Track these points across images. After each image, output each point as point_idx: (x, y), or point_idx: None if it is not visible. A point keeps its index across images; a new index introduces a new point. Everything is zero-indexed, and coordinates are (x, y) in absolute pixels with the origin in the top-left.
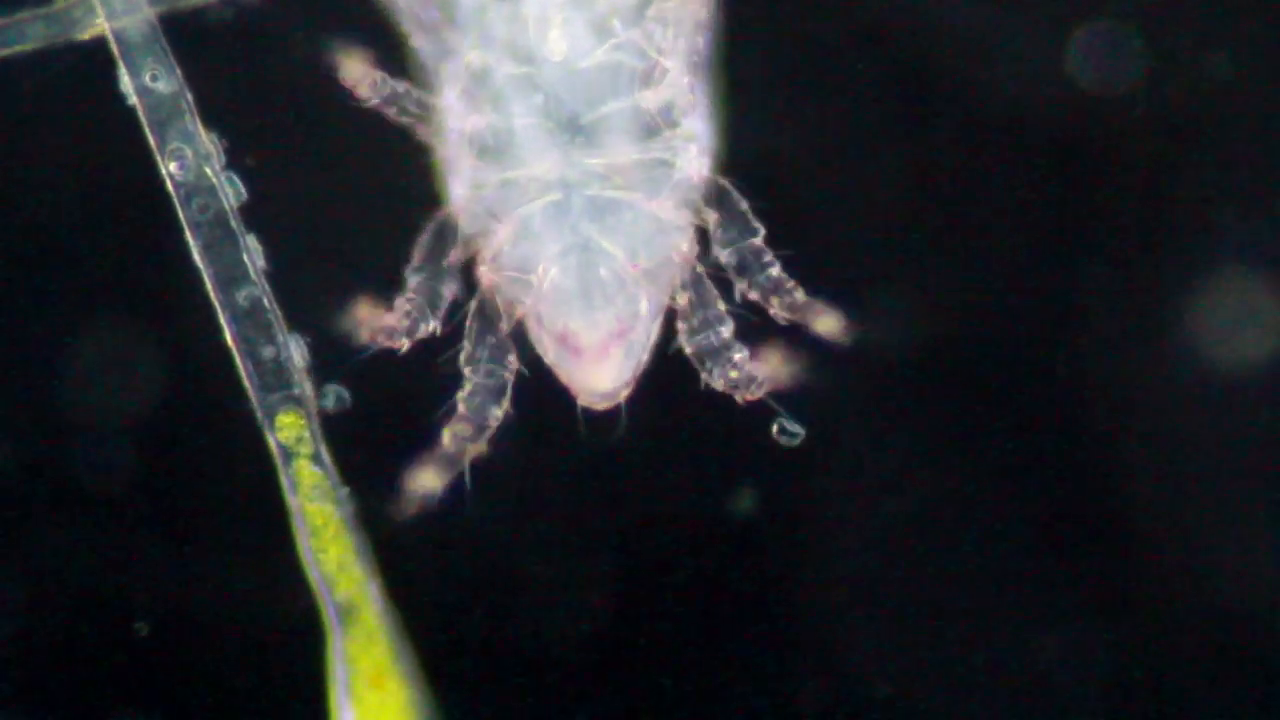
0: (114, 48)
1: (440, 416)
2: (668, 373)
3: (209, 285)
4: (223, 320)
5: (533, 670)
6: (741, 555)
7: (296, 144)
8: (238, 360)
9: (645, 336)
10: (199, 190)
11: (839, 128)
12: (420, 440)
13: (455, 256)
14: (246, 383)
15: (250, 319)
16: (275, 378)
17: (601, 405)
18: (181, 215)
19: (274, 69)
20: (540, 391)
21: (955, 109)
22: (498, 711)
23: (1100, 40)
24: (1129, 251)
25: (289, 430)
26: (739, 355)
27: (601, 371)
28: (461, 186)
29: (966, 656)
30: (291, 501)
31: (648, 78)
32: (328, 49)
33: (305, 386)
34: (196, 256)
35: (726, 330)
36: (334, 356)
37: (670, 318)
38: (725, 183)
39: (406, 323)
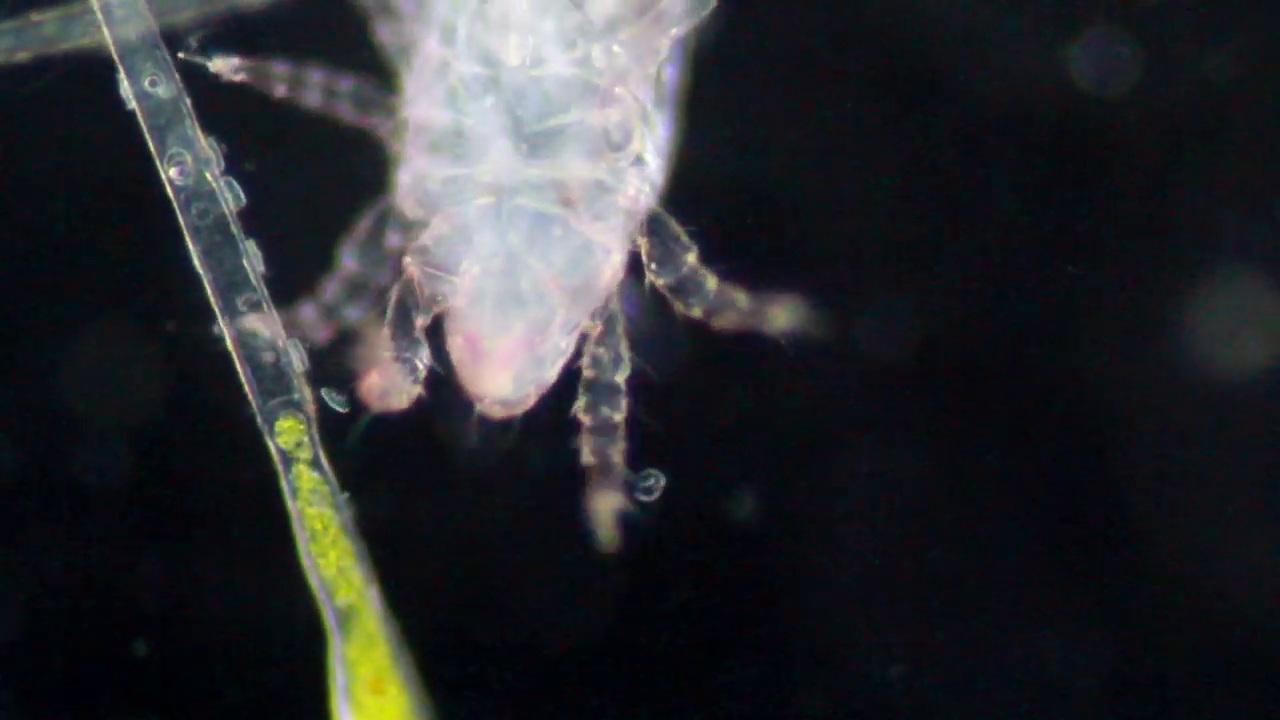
0: (113, 52)
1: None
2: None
3: (209, 290)
4: (223, 325)
5: (533, 675)
6: (741, 556)
7: (297, 149)
8: (237, 365)
9: (553, 353)
10: (199, 195)
11: (838, 129)
12: (419, 443)
13: (393, 243)
14: (246, 388)
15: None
16: (275, 383)
17: (498, 413)
18: (181, 220)
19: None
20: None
21: (954, 109)
22: (498, 716)
23: (1099, 41)
24: (1129, 253)
25: (288, 435)
26: (625, 401)
27: (500, 378)
28: (406, 175)
29: (967, 658)
30: (291, 506)
31: (604, 98)
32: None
33: (305, 391)
34: (196, 262)
35: (621, 374)
36: (332, 362)
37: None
38: (661, 211)
39: (328, 308)
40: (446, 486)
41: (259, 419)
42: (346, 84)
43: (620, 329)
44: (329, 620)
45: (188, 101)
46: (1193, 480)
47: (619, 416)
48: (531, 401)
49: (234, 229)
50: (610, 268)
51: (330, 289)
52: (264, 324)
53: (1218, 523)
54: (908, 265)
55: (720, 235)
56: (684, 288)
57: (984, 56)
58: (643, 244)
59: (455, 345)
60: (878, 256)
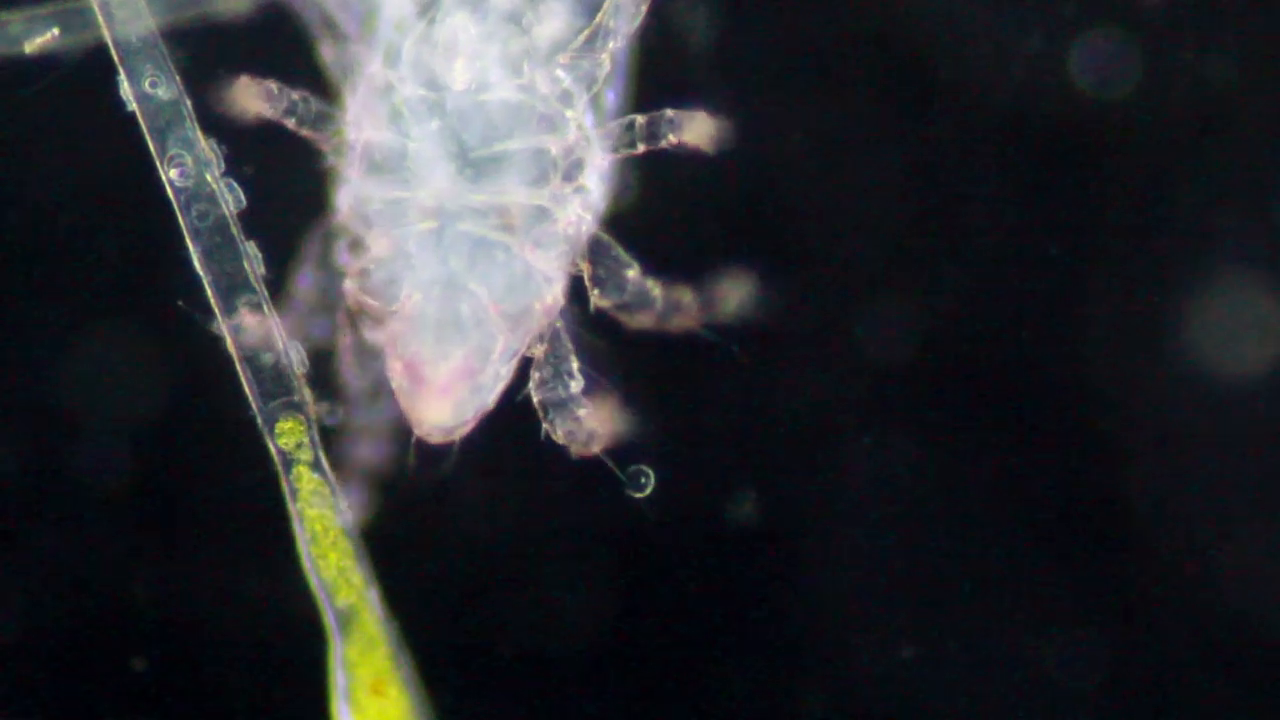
0: (113, 54)
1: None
2: (666, 381)
3: (209, 292)
4: (223, 326)
5: (533, 677)
6: (742, 557)
7: (296, 151)
8: (238, 367)
9: (493, 380)
10: (199, 197)
11: (840, 131)
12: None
13: (343, 261)
14: (246, 389)
15: (250, 325)
16: (275, 384)
17: (436, 439)
18: (181, 222)
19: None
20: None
21: (954, 112)
22: (499, 718)
23: (1099, 44)
24: (1128, 253)
25: (288, 436)
26: (583, 411)
27: (440, 406)
28: (347, 197)
29: (967, 659)
30: (291, 508)
31: (549, 124)
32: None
33: (305, 393)
34: (196, 263)
35: (576, 385)
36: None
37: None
38: (604, 235)
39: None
40: (447, 489)
41: (259, 421)
42: (295, 95)
43: (566, 348)
44: (329, 622)
45: (188, 103)
46: (1192, 479)
47: (585, 417)
48: (470, 427)
49: (234, 231)
50: (551, 294)
51: (290, 312)
52: (262, 325)
53: (1219, 524)
54: (907, 267)
55: (720, 236)
56: (630, 304)
57: (985, 59)
58: (584, 268)
59: (394, 370)
60: (878, 258)
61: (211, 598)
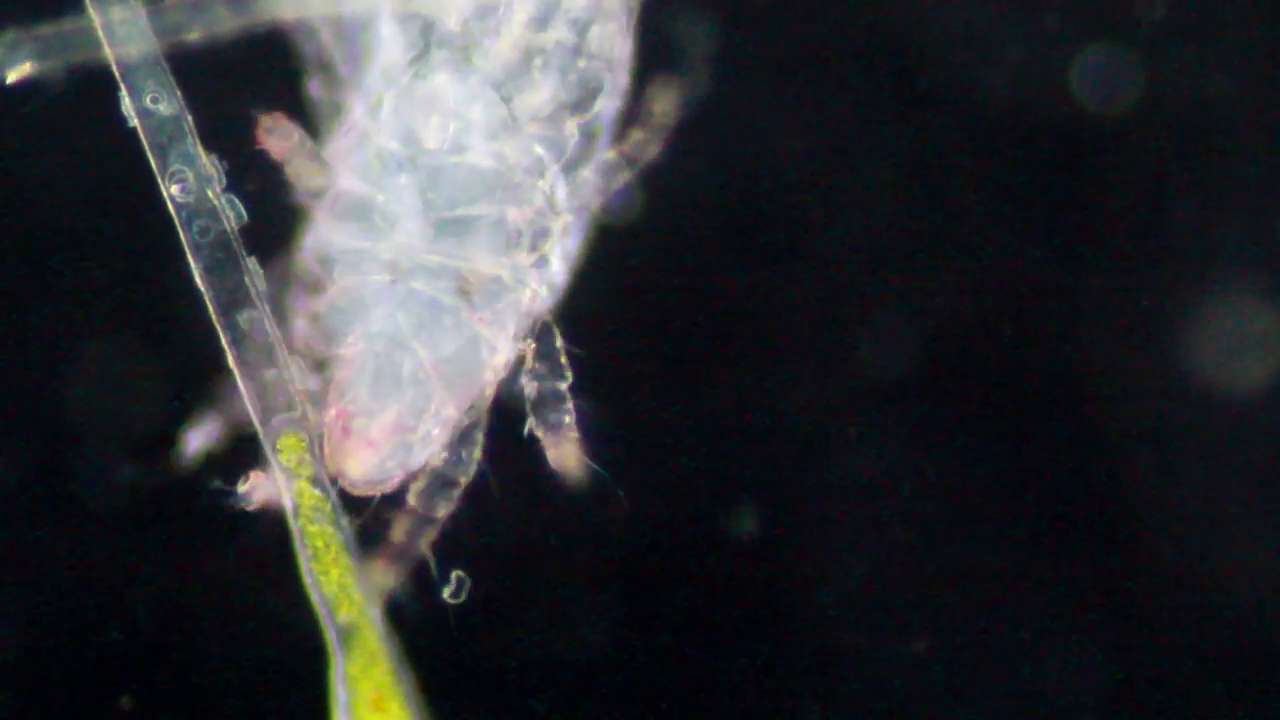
0: (115, 70)
1: None
2: (665, 387)
3: (210, 308)
4: (224, 343)
5: (534, 692)
6: (740, 565)
7: None
8: (239, 382)
9: (423, 441)
10: (200, 213)
11: (843, 143)
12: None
13: (295, 302)
14: (248, 404)
15: (252, 341)
16: (276, 400)
17: (358, 491)
18: (183, 238)
19: (275, 91)
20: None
21: (957, 124)
22: None
23: (1101, 58)
24: (1130, 262)
25: (290, 452)
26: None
27: (363, 459)
28: (311, 238)
29: (968, 665)
30: (292, 524)
31: (518, 196)
32: (253, 115)
33: (306, 409)
34: (198, 279)
35: (464, 477)
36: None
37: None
38: (551, 321)
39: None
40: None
41: (261, 436)
42: (310, 144)
43: (479, 435)
44: (330, 638)
45: (189, 118)
46: (1192, 487)
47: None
48: (394, 484)
49: (236, 246)
50: (493, 367)
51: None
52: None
53: (1219, 527)
54: (908, 275)
55: (721, 238)
56: (542, 409)
57: (987, 72)
58: (529, 349)
59: (327, 417)
60: (878, 266)
61: (212, 613)
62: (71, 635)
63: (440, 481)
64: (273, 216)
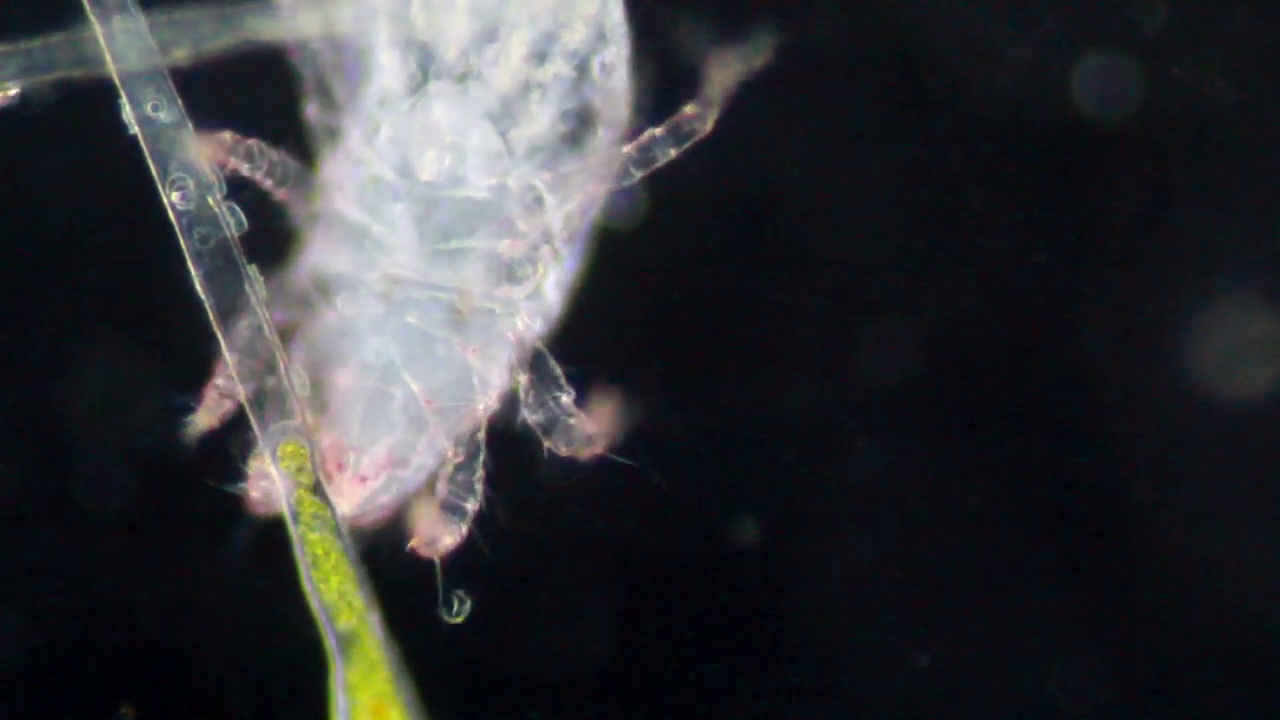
0: (115, 78)
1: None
2: (668, 390)
3: (210, 315)
4: (224, 349)
5: (533, 700)
6: (742, 568)
7: None
8: (240, 390)
9: (412, 477)
10: (201, 220)
11: (846, 148)
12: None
13: (285, 320)
14: (248, 412)
15: (251, 348)
16: (276, 408)
17: (352, 519)
18: (183, 245)
19: (277, 99)
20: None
21: (959, 129)
22: None
23: (1101, 63)
24: (1132, 267)
25: (290, 460)
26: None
27: (352, 495)
28: (305, 261)
29: (969, 668)
30: (292, 531)
31: (512, 229)
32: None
33: (306, 416)
34: (198, 286)
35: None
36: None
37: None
38: (544, 349)
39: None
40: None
41: (261, 444)
42: (274, 155)
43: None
44: (330, 645)
45: (190, 126)
46: (1194, 491)
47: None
48: (385, 513)
49: (236, 254)
50: (484, 398)
51: (226, 373)
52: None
53: (1219, 529)
54: (910, 279)
55: (724, 241)
56: (553, 429)
57: (991, 77)
58: (522, 380)
59: (321, 447)
60: (881, 270)
61: (211, 620)
62: (70, 641)
63: (449, 510)
64: (273, 224)
